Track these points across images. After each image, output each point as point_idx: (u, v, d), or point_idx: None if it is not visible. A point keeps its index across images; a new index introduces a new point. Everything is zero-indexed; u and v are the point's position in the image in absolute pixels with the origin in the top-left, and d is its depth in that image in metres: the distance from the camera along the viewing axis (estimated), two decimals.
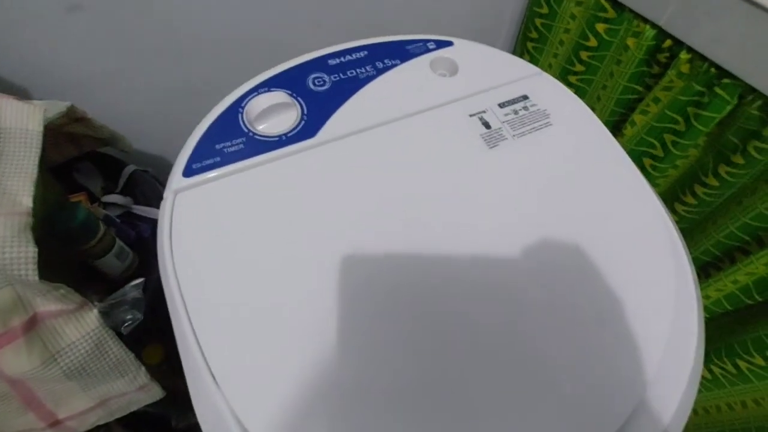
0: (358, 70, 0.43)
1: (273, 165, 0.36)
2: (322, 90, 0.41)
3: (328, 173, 0.36)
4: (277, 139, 0.37)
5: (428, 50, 0.46)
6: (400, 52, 0.45)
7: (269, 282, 0.31)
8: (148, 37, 0.55)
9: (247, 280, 0.31)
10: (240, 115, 0.38)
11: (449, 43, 0.46)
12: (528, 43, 0.85)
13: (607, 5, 0.69)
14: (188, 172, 0.35)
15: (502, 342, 0.30)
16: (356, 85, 0.42)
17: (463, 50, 0.46)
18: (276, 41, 0.61)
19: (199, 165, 0.35)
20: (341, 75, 0.42)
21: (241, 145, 0.37)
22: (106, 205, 0.52)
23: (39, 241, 0.35)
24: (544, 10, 0.79)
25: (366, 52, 0.44)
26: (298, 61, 0.43)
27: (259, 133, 0.38)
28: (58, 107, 0.44)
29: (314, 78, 0.42)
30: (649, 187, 0.40)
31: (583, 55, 0.76)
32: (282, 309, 0.30)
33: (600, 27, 0.71)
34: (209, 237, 0.33)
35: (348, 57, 0.44)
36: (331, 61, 0.43)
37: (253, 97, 0.39)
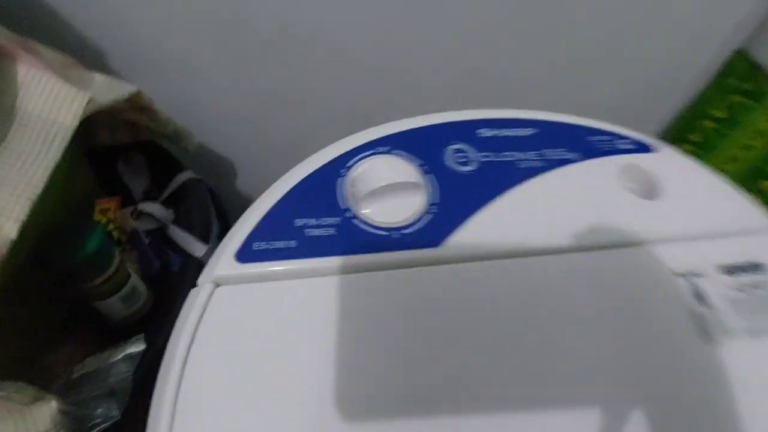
0: (518, 154, 0.30)
1: (372, 276, 0.23)
2: (465, 172, 0.28)
3: (448, 314, 0.23)
4: (385, 233, 0.25)
5: (617, 150, 0.32)
6: (580, 143, 0.31)
7: None
8: (253, 27, 0.45)
9: None
10: (341, 183, 0.26)
11: (649, 147, 0.32)
12: (685, 146, 0.69)
13: None
14: (245, 255, 0.23)
15: None
16: (513, 175, 0.28)
17: (670, 164, 0.32)
18: (405, 70, 0.49)
19: (264, 247, 0.23)
20: (494, 156, 0.29)
21: (333, 230, 0.24)
22: (140, 214, 0.42)
23: (21, 271, 0.24)
24: (720, 113, 0.63)
25: (534, 131, 0.31)
26: (435, 120, 0.30)
27: (362, 218, 0.25)
28: (119, 91, 0.34)
29: (456, 151, 0.29)
30: None
31: (765, 185, 0.59)
32: None
33: None
34: (247, 371, 0.20)
35: (508, 131, 0.31)
36: (484, 132, 0.30)
37: (368, 158, 0.27)
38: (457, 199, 0.27)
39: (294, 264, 0.23)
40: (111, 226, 0.37)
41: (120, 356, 0.32)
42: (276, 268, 0.22)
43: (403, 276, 0.24)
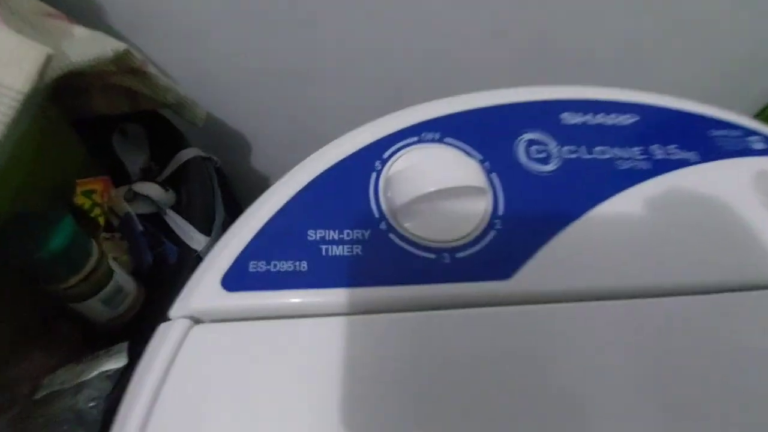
0: (617, 151, 0.22)
1: (412, 319, 0.16)
2: (544, 173, 0.20)
3: (519, 378, 0.16)
4: (433, 256, 0.18)
5: (750, 151, 0.23)
6: (700, 138, 0.23)
7: None
8: None
9: None
10: (373, 181, 0.19)
11: None
12: None
13: None
14: (236, 281, 0.16)
15: None
16: (610, 180, 0.21)
17: None
18: (455, 34, 0.40)
19: (263, 268, 0.17)
20: (584, 151, 0.21)
21: (360, 248, 0.17)
22: (135, 195, 0.36)
23: None
24: None
25: (636, 118, 0.23)
26: (503, 98, 0.22)
27: (402, 233, 0.18)
28: (101, 49, 0.28)
29: (531, 143, 0.21)
30: None
31: None
32: None
33: None
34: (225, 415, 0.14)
35: (602, 118, 0.23)
36: (569, 117, 0.22)
37: (412, 149, 0.20)
38: (533, 209, 0.19)
39: (305, 296, 0.16)
40: (96, 211, 0.31)
41: (95, 373, 0.26)
42: (279, 301, 0.16)
43: (457, 320, 0.17)
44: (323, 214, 0.18)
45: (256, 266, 0.16)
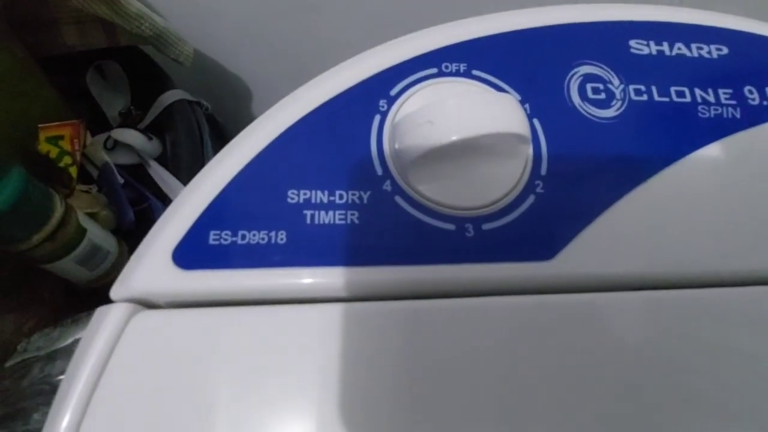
0: (699, 93, 0.16)
1: (424, 309, 0.13)
2: (602, 119, 0.15)
3: (562, 377, 0.12)
4: (452, 227, 0.14)
5: None
6: None
7: None
8: None
9: None
10: (377, 126, 0.15)
11: None
12: None
13: None
14: (192, 256, 0.13)
15: None
16: (690, 134, 0.16)
17: None
18: None
19: (228, 240, 0.13)
20: (655, 92, 0.16)
21: (356, 216, 0.13)
22: (115, 144, 0.32)
23: None
24: None
25: (724, 50, 0.17)
26: (547, 19, 0.17)
27: (414, 196, 0.14)
28: None
29: (587, 77, 0.16)
30: None
31: None
32: None
33: None
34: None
35: (680, 48, 0.17)
36: (638, 46, 0.17)
37: (428, 84, 0.15)
38: (586, 170, 0.15)
39: (282, 275, 0.12)
40: (66, 160, 0.27)
41: (70, 340, 0.24)
42: (245, 283, 0.12)
43: (481, 311, 0.13)
44: (309, 170, 0.14)
45: (218, 237, 0.12)
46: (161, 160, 0.33)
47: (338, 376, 0.12)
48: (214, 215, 0.13)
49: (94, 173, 0.32)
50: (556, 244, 0.13)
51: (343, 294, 0.13)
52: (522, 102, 0.15)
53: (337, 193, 0.13)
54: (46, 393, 0.22)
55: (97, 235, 0.27)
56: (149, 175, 0.32)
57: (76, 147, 0.28)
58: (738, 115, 0.16)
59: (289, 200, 0.13)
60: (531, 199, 0.14)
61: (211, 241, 0.12)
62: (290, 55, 0.41)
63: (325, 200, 0.13)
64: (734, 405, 0.13)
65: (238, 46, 0.41)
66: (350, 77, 0.15)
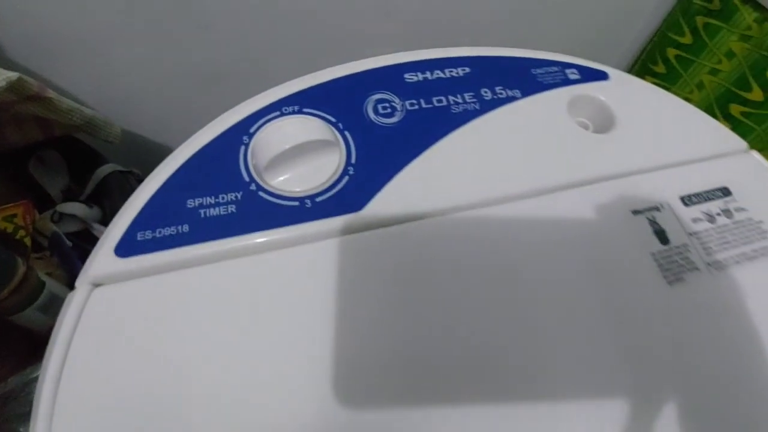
0: (452, 98, 0.26)
1: (282, 254, 0.20)
2: (389, 124, 0.24)
3: (376, 287, 0.20)
4: (296, 203, 0.21)
5: (568, 81, 0.28)
6: (523, 78, 0.28)
7: None
8: None
9: None
10: (242, 152, 0.22)
11: (602, 75, 0.29)
12: (647, 78, 0.66)
13: None
14: (127, 248, 0.19)
15: None
16: (445, 122, 0.25)
17: (623, 91, 0.28)
18: (323, 27, 0.44)
19: (149, 236, 0.20)
20: (422, 102, 0.25)
21: (234, 207, 0.21)
22: (62, 216, 0.38)
23: None
24: (685, 38, 0.59)
25: (467, 69, 0.27)
26: (352, 69, 0.26)
27: (270, 189, 0.22)
28: None
29: (378, 101, 0.25)
30: None
31: (735, 110, 0.56)
32: None
33: None
34: (130, 383, 0.17)
35: (438, 73, 0.27)
36: (410, 77, 0.26)
37: (273, 121, 0.23)
38: (380, 155, 0.23)
39: (186, 251, 0.19)
40: (21, 233, 0.33)
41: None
42: (164, 259, 0.19)
43: (320, 249, 0.20)
44: (200, 185, 0.21)
45: (143, 235, 0.20)
46: (103, 222, 0.39)
47: (232, 308, 0.19)
48: (139, 222, 0.20)
49: (45, 243, 0.37)
50: (363, 201, 0.22)
51: (230, 255, 0.20)
52: (335, 122, 0.24)
53: (221, 196, 0.21)
54: (29, 414, 0.27)
55: (55, 286, 0.32)
56: (95, 236, 0.38)
57: (28, 222, 0.34)
58: (478, 107, 0.26)
59: (188, 206, 0.21)
60: (346, 178, 0.22)
61: (138, 238, 0.19)
62: (203, 121, 0.49)
63: (213, 201, 0.21)
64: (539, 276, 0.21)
65: (159, 120, 0.48)
66: (225, 123, 0.23)
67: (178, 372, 0.17)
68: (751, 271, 0.23)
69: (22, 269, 0.29)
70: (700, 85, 0.59)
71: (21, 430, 0.25)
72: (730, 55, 0.54)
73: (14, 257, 0.28)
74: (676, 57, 0.61)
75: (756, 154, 0.28)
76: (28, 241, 0.33)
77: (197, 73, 0.46)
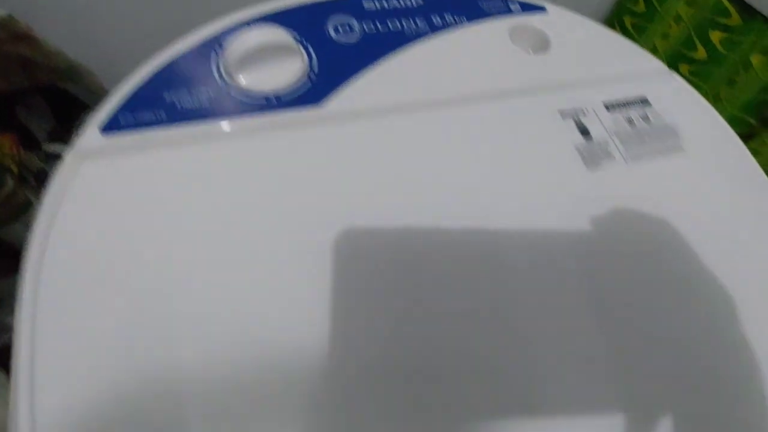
0: (405, 22, 0.29)
1: (249, 139, 0.23)
2: (347, 42, 0.27)
3: (329, 168, 0.23)
4: (262, 100, 0.24)
5: (510, 12, 0.31)
6: (470, 7, 0.31)
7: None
8: None
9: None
10: (215, 56, 0.25)
11: (541, 8, 0.32)
12: None
13: (731, 8, 0.53)
14: (111, 126, 0.22)
15: None
16: (398, 42, 0.28)
17: (559, 21, 0.32)
18: None
19: (131, 118, 0.22)
20: (379, 25, 0.28)
21: (206, 101, 0.24)
22: (48, 156, 0.40)
23: None
24: (639, 7, 0.64)
25: (421, 2, 0.30)
26: None
27: (239, 87, 0.24)
28: None
29: (338, 22, 0.28)
30: None
31: (684, 68, 0.60)
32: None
33: (715, 36, 0.56)
34: (118, 246, 0.20)
35: (394, 3, 0.30)
36: (368, 4, 0.29)
37: (241, 32, 0.26)
38: (338, 65, 0.26)
39: (163, 132, 0.22)
40: (8, 160, 0.35)
41: None
42: (144, 138, 0.22)
43: (283, 137, 0.23)
44: (176, 83, 0.24)
45: (125, 118, 0.22)
46: None
47: (196, 188, 0.21)
48: (123, 107, 0.22)
49: (31, 179, 0.39)
50: (320, 99, 0.24)
51: (202, 139, 0.22)
52: (299, 37, 0.27)
53: (194, 90, 0.24)
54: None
55: None
56: None
57: (15, 152, 0.36)
58: (427, 30, 0.29)
59: (165, 98, 0.23)
60: (307, 81, 0.25)
61: (120, 120, 0.22)
62: None
63: (188, 95, 0.23)
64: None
65: None
66: (209, 31, 0.26)
67: (155, 239, 0.20)
68: (661, 163, 0.27)
69: (10, 184, 0.31)
70: (654, 50, 0.63)
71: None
72: (678, 19, 0.58)
73: (3, 172, 0.30)
74: (633, 25, 0.65)
75: (676, 75, 0.31)
76: (14, 168, 0.35)
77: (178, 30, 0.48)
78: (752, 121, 0.55)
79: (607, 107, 0.28)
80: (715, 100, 0.57)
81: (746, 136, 0.56)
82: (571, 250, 0.23)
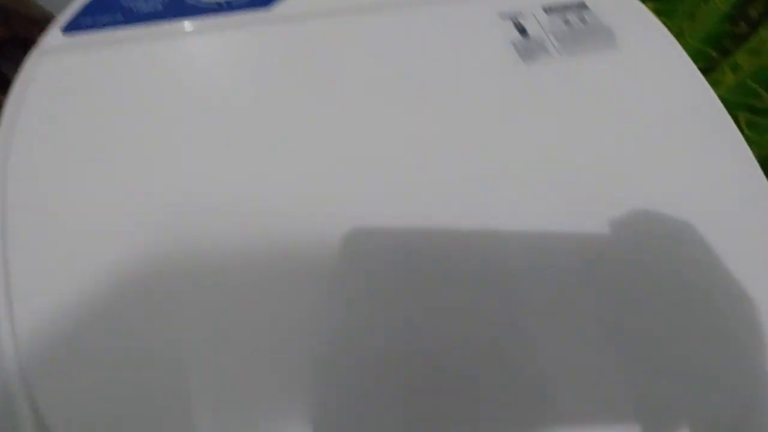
0: None
1: (198, 39, 0.25)
2: None
3: (277, 70, 0.25)
4: (215, 5, 0.26)
5: None
6: None
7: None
8: None
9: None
10: None
11: None
12: None
13: None
14: (72, 27, 0.24)
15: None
16: None
17: None
18: None
19: (91, 20, 0.24)
20: None
21: (159, 4, 0.25)
22: None
23: None
24: None
25: None
26: None
27: (195, 1, 0.26)
28: None
29: None
30: (751, 154, 0.27)
31: (649, 6, 0.62)
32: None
33: None
34: (79, 134, 0.21)
35: None
36: None
37: None
38: None
39: (120, 31, 0.24)
40: None
41: None
42: (101, 36, 0.24)
43: (232, 37, 0.25)
44: None
45: (84, 20, 0.24)
46: None
47: (156, 85, 0.23)
48: (83, 13, 0.24)
49: None
50: (270, 1, 0.26)
51: (158, 37, 0.24)
52: None
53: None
54: None
55: None
56: None
57: None
58: None
59: (123, 4, 0.25)
60: None
61: (81, 23, 0.24)
62: None
63: (144, 2, 0.25)
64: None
65: None
66: None
67: (113, 124, 0.22)
68: (593, 56, 0.28)
69: None
70: None
71: None
72: None
73: None
74: None
75: None
76: None
77: None
78: (713, 53, 0.56)
79: (545, 10, 0.30)
80: (678, 35, 0.59)
81: (708, 69, 0.58)
82: (486, 157, 0.25)
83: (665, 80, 0.29)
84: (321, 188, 0.21)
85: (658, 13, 0.61)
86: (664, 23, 0.66)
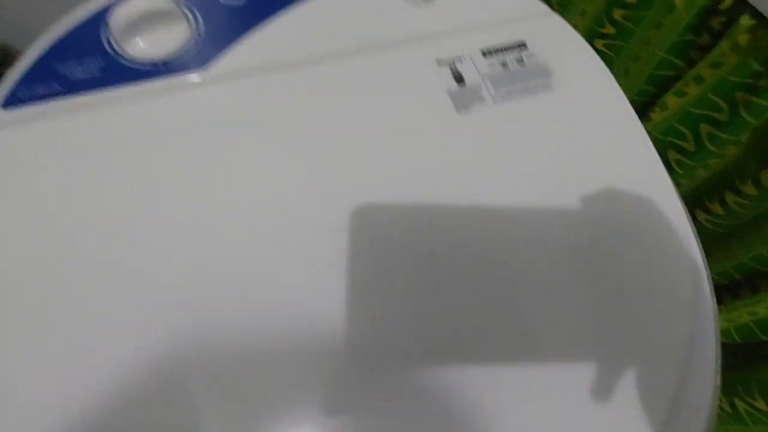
0: None
1: (136, 107, 0.25)
2: (233, 4, 0.29)
3: (214, 129, 0.25)
4: (150, 66, 0.26)
5: None
6: None
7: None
8: None
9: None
10: (102, 27, 0.27)
11: None
12: None
13: None
14: (10, 101, 0.24)
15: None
16: (284, 2, 0.30)
17: None
18: None
19: (28, 92, 0.25)
20: None
21: (97, 71, 0.26)
22: None
23: None
24: None
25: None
26: None
27: (125, 56, 0.26)
28: None
29: None
30: (673, 187, 0.28)
31: (617, 13, 0.61)
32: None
33: None
34: (25, 212, 0.22)
35: None
36: None
37: (125, 1, 0.28)
38: (225, 27, 0.28)
39: (57, 103, 0.24)
40: None
41: None
42: (40, 108, 0.24)
43: (167, 102, 0.26)
44: (68, 54, 0.26)
45: (21, 91, 0.25)
46: None
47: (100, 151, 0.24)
48: (20, 84, 0.24)
49: None
50: (205, 62, 0.27)
51: (92, 106, 0.25)
52: (185, 3, 0.28)
53: (85, 62, 0.26)
54: None
55: None
56: None
57: None
58: None
59: (58, 71, 0.25)
60: (194, 45, 0.27)
61: (18, 94, 0.24)
62: None
63: (80, 67, 0.26)
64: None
65: None
66: (88, 9, 0.27)
67: (55, 201, 0.23)
68: (528, 100, 0.29)
69: None
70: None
71: None
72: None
73: None
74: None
75: (556, 15, 0.33)
76: None
77: None
78: (679, 62, 0.57)
79: (484, 53, 0.30)
80: (646, 44, 0.59)
81: (674, 78, 0.58)
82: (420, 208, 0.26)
83: (596, 120, 0.30)
84: (254, 244, 0.23)
85: (627, 19, 0.61)
86: (633, 30, 0.66)
